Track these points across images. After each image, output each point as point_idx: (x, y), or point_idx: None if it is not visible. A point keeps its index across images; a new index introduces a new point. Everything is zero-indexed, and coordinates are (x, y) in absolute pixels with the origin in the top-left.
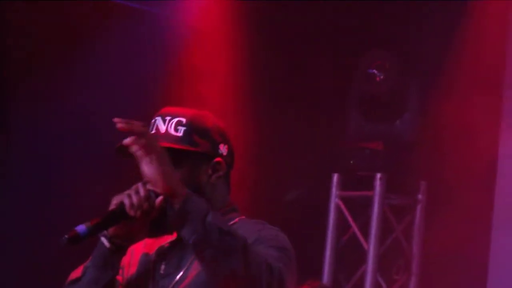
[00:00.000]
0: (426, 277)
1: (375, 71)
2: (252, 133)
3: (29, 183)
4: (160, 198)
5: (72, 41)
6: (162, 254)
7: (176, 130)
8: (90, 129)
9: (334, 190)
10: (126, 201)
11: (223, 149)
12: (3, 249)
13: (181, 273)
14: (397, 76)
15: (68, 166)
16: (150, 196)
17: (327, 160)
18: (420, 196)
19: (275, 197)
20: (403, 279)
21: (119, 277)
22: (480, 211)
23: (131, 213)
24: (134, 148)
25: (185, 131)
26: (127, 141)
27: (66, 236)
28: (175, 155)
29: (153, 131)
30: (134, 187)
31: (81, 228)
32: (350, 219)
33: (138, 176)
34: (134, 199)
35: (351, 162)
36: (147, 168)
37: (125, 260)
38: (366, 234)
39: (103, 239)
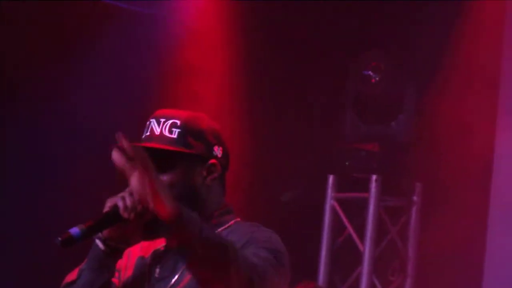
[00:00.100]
0: (422, 278)
1: (370, 72)
2: (247, 135)
3: (28, 183)
4: None
5: (68, 42)
6: (157, 257)
7: (170, 132)
8: (89, 129)
9: (330, 192)
10: (120, 204)
11: (217, 151)
12: (3, 249)
13: (176, 277)
14: (392, 78)
15: (66, 166)
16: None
17: (323, 162)
18: (415, 198)
19: (270, 199)
20: (398, 280)
21: (115, 280)
22: (475, 212)
23: (125, 215)
24: (121, 163)
25: (179, 133)
26: (114, 156)
27: (60, 238)
28: (170, 157)
29: (147, 133)
30: (128, 189)
31: (74, 230)
32: (345, 220)
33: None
34: (128, 201)
35: (347, 163)
36: (135, 184)
37: (121, 263)
38: (361, 235)
39: (98, 242)
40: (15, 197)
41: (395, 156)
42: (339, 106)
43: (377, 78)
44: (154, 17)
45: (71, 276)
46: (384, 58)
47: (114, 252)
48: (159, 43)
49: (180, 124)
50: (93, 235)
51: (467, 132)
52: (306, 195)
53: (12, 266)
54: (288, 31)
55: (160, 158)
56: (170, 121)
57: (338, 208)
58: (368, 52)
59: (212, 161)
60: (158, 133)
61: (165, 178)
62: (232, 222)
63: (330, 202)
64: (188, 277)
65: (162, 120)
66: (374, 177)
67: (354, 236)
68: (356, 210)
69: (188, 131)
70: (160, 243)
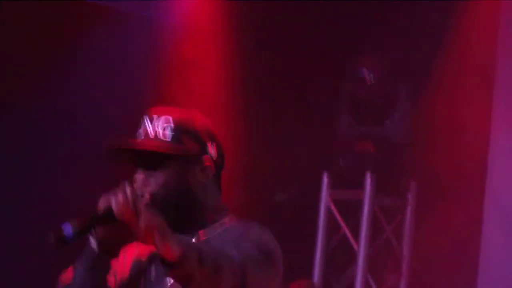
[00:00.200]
0: (417, 277)
1: (365, 73)
2: (243, 134)
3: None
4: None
5: (66, 43)
6: (153, 259)
7: (164, 131)
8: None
9: (325, 191)
10: (113, 203)
11: (212, 150)
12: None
13: (172, 280)
14: (386, 78)
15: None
16: (137, 197)
17: (318, 161)
18: (410, 197)
19: (265, 198)
20: (393, 279)
21: (111, 281)
22: (470, 210)
23: (119, 217)
24: (122, 215)
25: (173, 132)
26: (115, 209)
27: (52, 240)
28: (163, 157)
29: (140, 131)
30: (121, 187)
31: (67, 231)
32: (340, 219)
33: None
34: (121, 200)
35: (342, 163)
36: (140, 232)
37: (118, 263)
38: (356, 234)
39: (92, 241)
40: (15, 197)
41: (390, 155)
42: (334, 106)
43: (371, 79)
44: (150, 18)
45: (66, 276)
46: (379, 59)
47: (109, 251)
48: (155, 42)
49: (174, 123)
50: (86, 235)
51: (462, 131)
52: (300, 195)
53: (12, 266)
54: (284, 32)
55: (153, 157)
56: (164, 120)
57: (333, 207)
58: (363, 53)
59: (207, 160)
60: (152, 132)
61: (159, 177)
62: (227, 221)
63: (325, 201)
64: None
65: (156, 118)
66: (368, 176)
67: (349, 235)
68: (351, 210)
69: (182, 130)
70: None
